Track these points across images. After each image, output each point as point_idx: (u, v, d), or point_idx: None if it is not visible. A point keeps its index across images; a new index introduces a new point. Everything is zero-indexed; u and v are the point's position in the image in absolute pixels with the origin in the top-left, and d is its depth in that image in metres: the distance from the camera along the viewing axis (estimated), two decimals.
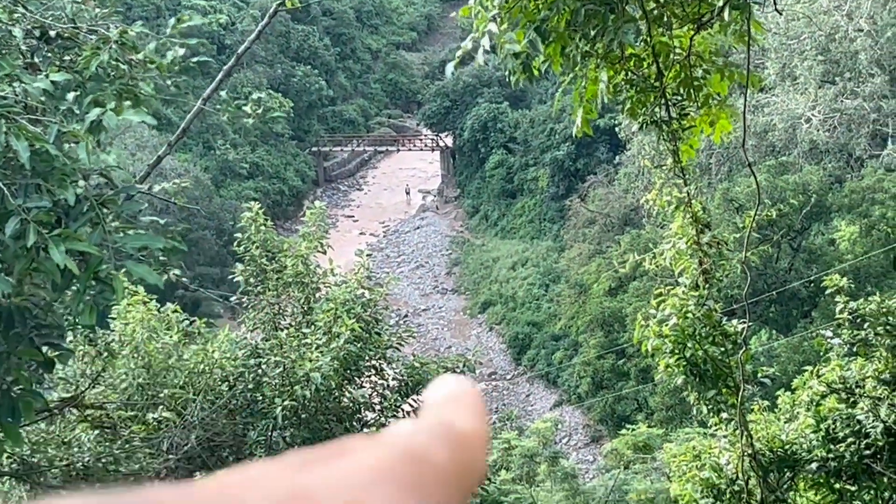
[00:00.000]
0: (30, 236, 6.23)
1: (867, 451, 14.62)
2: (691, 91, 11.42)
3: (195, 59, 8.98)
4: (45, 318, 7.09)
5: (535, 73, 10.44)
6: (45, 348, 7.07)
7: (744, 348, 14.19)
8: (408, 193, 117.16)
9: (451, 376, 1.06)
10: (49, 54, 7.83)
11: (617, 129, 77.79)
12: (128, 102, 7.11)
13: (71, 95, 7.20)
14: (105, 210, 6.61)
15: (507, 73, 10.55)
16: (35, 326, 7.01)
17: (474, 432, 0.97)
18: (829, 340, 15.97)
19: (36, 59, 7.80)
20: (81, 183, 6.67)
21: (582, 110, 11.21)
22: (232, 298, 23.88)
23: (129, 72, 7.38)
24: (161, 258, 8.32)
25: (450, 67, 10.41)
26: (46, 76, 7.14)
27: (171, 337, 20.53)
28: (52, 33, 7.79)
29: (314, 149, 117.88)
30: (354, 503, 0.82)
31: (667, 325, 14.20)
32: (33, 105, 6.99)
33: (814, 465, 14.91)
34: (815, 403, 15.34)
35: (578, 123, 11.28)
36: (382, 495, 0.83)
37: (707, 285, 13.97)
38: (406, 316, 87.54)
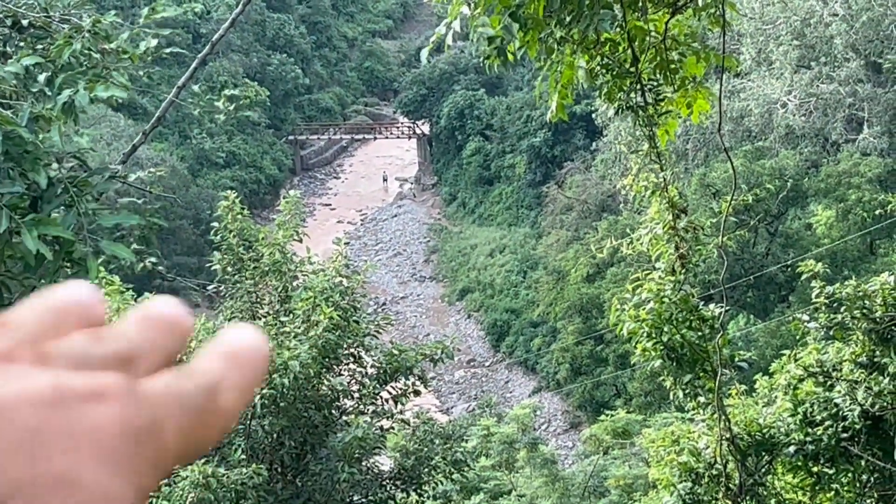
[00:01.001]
0: (2, 222, 6.23)
1: (844, 435, 14.68)
2: (667, 74, 11.43)
3: (169, 50, 8.95)
4: (21, 298, 7.09)
5: (511, 58, 10.42)
6: None
7: (721, 333, 14.22)
8: (385, 181, 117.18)
9: (250, 329, 0.96)
10: (21, 43, 7.80)
11: (593, 115, 77.81)
12: (100, 86, 7.09)
13: (42, 77, 7.17)
14: (79, 192, 6.60)
15: (481, 59, 10.53)
16: (9, 304, 7.00)
17: (229, 406, 0.91)
18: (806, 324, 16.00)
19: (8, 49, 7.77)
20: (55, 166, 6.66)
21: (557, 95, 11.20)
22: (209, 287, 23.86)
23: (102, 61, 7.36)
24: (137, 246, 8.30)
25: (424, 53, 10.40)
26: (18, 61, 7.12)
27: None
28: (25, 22, 7.76)
29: (291, 137, 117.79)
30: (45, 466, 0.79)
31: (643, 310, 14.23)
32: (4, 90, 6.96)
33: (792, 449, 14.97)
34: (792, 387, 15.39)
35: (553, 109, 11.26)
36: (88, 469, 0.80)
37: (684, 270, 14.00)
38: (384, 304, 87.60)
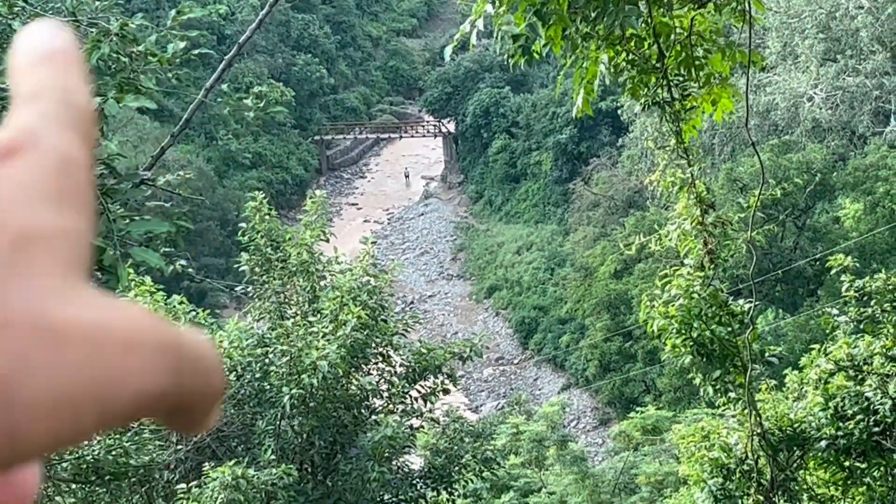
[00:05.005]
0: None
1: (876, 428, 14.62)
2: (692, 71, 11.40)
3: (196, 52, 8.95)
4: None
5: (536, 56, 10.41)
6: None
7: (751, 328, 14.18)
8: (407, 177, 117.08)
9: (43, 26, 0.91)
10: None
11: (619, 111, 77.70)
12: (130, 95, 7.10)
13: None
14: (108, 199, 6.60)
15: (506, 57, 10.52)
16: None
17: (86, 101, 0.89)
18: (835, 318, 15.96)
19: None
20: None
21: (583, 91, 11.18)
22: (237, 288, 23.95)
23: (130, 65, 7.37)
24: (166, 249, 8.32)
25: (448, 51, 10.40)
26: None
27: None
28: None
29: (316, 137, 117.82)
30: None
31: (673, 306, 14.19)
32: None
33: (823, 443, 14.91)
34: (823, 381, 15.33)
35: (579, 104, 11.24)
36: (38, 216, 0.79)
37: (712, 265, 13.95)
38: (412, 302, 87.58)
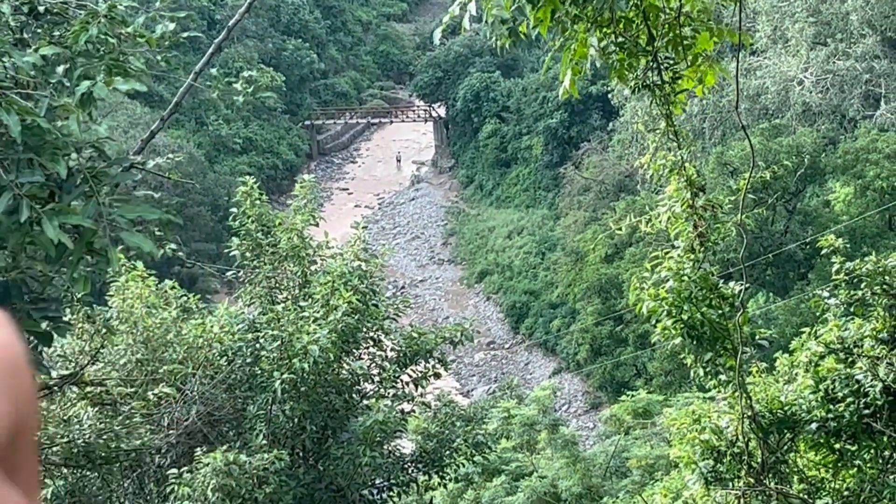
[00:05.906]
0: (23, 211, 6.22)
1: (866, 411, 14.63)
2: (680, 50, 11.38)
3: (185, 35, 8.93)
4: (42, 291, 7.10)
5: (522, 37, 10.38)
6: (43, 322, 7.05)
7: (741, 311, 14.19)
8: (398, 161, 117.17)
9: None
10: (38, 30, 7.81)
11: (609, 95, 77.68)
12: (118, 77, 7.09)
13: (61, 68, 7.17)
14: (98, 182, 6.60)
15: (494, 41, 10.49)
16: (32, 300, 7.01)
17: None
18: (825, 301, 15.96)
19: (25, 35, 7.77)
20: (74, 156, 6.65)
21: (570, 72, 11.14)
22: (228, 273, 23.94)
23: (119, 46, 7.36)
24: (157, 233, 8.32)
25: (437, 33, 10.39)
26: (36, 50, 7.13)
27: (169, 313, 20.57)
28: (41, 8, 7.76)
29: (307, 122, 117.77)
30: None
31: (663, 288, 14.20)
32: (23, 80, 6.97)
33: (813, 426, 14.92)
34: (813, 364, 15.33)
35: (566, 84, 11.19)
36: None
37: (703, 248, 13.96)
38: (403, 287, 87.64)
